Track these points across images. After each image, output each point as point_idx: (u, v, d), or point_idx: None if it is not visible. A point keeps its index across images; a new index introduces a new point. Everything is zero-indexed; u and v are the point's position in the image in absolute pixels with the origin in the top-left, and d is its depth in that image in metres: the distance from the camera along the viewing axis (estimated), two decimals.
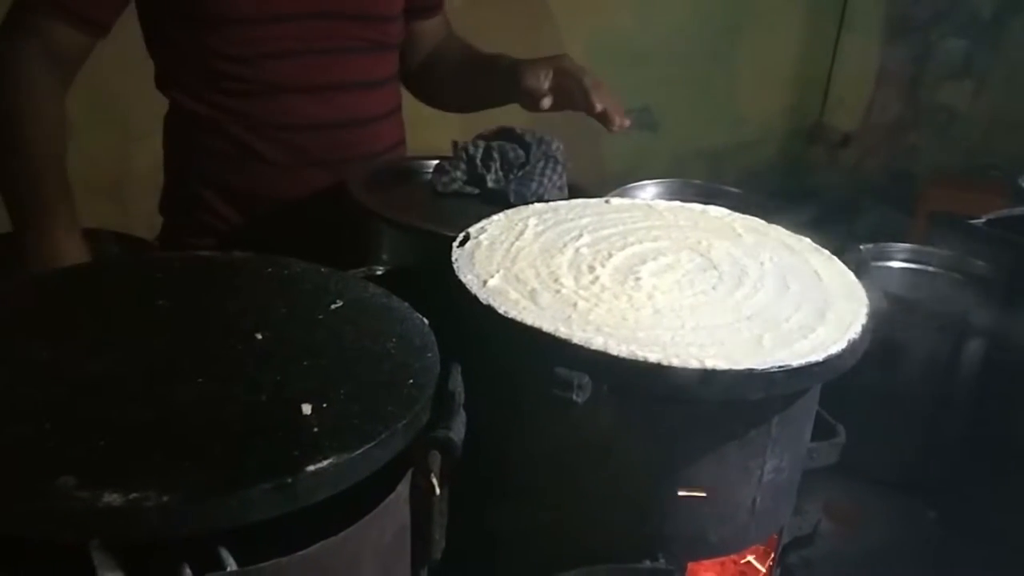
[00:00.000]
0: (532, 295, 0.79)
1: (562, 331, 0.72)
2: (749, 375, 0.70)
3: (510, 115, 1.57)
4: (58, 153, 1.19)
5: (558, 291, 0.80)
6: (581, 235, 0.92)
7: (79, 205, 1.22)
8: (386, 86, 1.39)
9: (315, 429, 0.61)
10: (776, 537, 0.88)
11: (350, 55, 1.30)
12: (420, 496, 0.68)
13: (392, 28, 1.36)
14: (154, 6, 1.24)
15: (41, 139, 1.18)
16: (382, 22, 1.34)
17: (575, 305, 0.77)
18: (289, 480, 0.56)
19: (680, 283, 0.83)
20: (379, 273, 0.97)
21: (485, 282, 0.80)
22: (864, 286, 0.86)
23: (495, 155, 1.14)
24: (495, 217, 0.96)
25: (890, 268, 1.36)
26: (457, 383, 0.70)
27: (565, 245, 0.90)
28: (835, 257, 0.93)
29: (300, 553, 0.58)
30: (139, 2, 1.23)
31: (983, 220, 1.14)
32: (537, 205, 1.01)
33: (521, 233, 0.92)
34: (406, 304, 0.79)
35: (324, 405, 0.63)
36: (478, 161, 1.14)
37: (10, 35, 1.17)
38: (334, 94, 1.30)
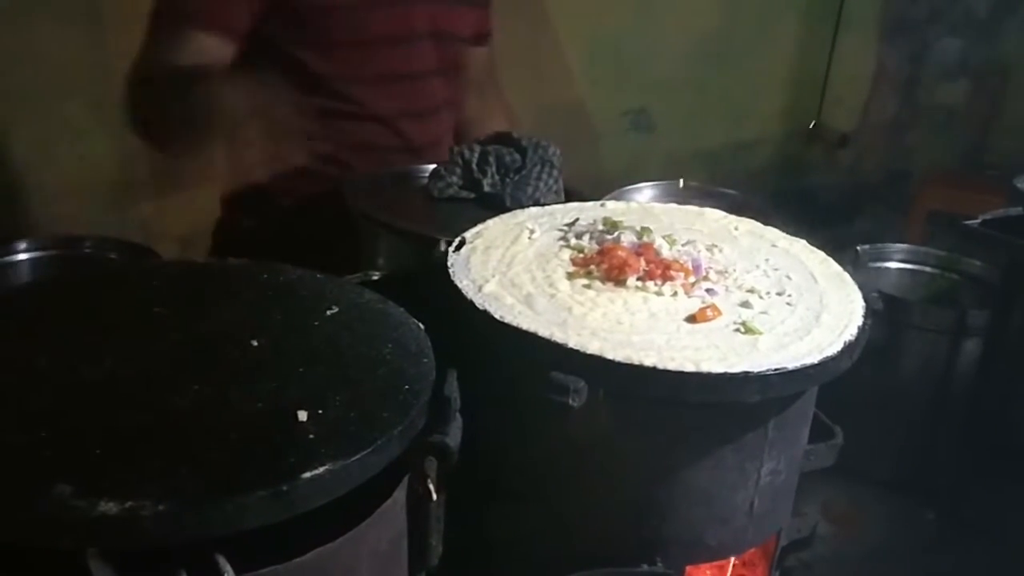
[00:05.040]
0: (528, 300, 0.79)
1: (558, 336, 0.72)
2: (745, 378, 0.70)
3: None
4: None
5: (553, 295, 0.80)
6: (577, 239, 0.92)
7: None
8: (454, 108, 1.48)
9: (311, 436, 0.61)
10: (774, 540, 0.88)
11: (436, 77, 1.41)
12: (417, 502, 0.68)
13: (464, 49, 1.45)
14: (269, 26, 1.27)
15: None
16: (459, 43, 1.43)
17: (570, 309, 0.77)
18: (285, 487, 0.56)
19: (675, 287, 0.83)
20: (375, 278, 0.96)
21: (481, 287, 0.80)
22: (860, 287, 0.86)
23: (491, 159, 1.14)
24: (491, 222, 0.96)
25: (887, 268, 1.37)
26: (453, 388, 0.70)
27: (561, 249, 0.90)
28: (831, 258, 0.93)
29: (297, 560, 0.58)
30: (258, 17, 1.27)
31: (979, 220, 1.14)
32: (533, 209, 1.01)
33: (517, 237, 0.92)
34: (402, 309, 0.79)
35: (320, 412, 0.63)
36: (474, 165, 1.15)
37: (153, 48, 1.23)
38: (427, 116, 1.41)
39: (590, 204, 1.04)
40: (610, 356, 0.70)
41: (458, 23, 1.42)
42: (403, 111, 1.38)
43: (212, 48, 1.23)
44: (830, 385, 0.78)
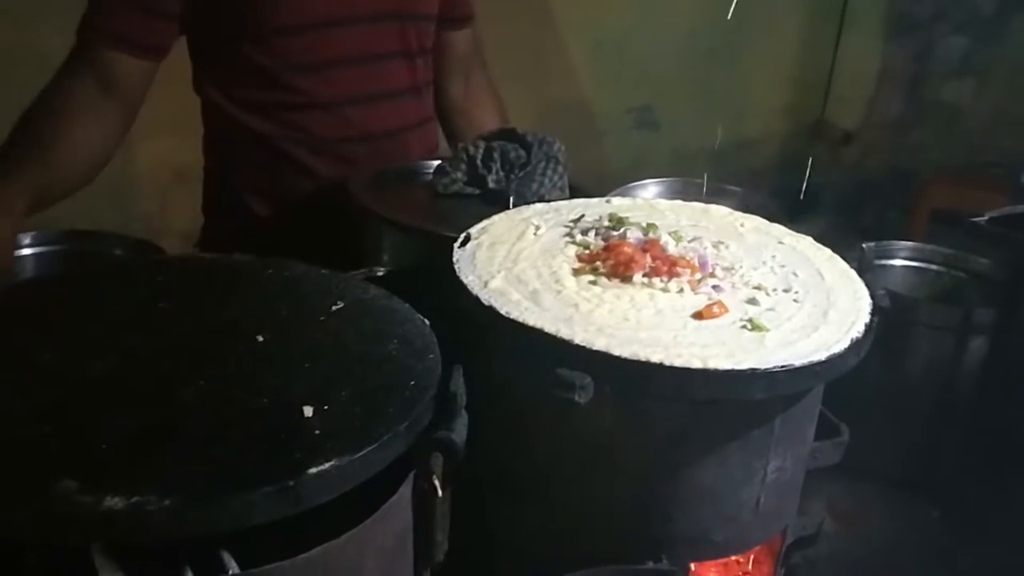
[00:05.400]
0: (534, 296, 0.78)
1: (564, 332, 0.72)
2: (752, 375, 0.70)
3: (512, 116, 1.57)
4: (77, 183, 1.22)
5: (559, 292, 0.80)
6: (583, 235, 0.92)
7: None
8: (423, 94, 1.42)
9: (316, 431, 0.61)
10: (780, 537, 0.88)
11: (393, 61, 1.34)
12: (422, 498, 0.68)
13: (429, 30, 1.40)
14: (207, 22, 1.24)
15: (71, 167, 1.21)
16: (423, 22, 1.37)
17: (577, 306, 0.77)
18: (291, 483, 0.56)
19: (682, 283, 0.83)
20: (380, 274, 0.96)
21: (486, 283, 0.80)
22: (866, 285, 0.86)
23: (496, 156, 1.14)
24: (496, 218, 0.96)
25: (892, 266, 1.36)
26: (459, 384, 0.70)
27: (566, 245, 0.89)
28: (837, 256, 0.93)
29: (302, 556, 0.58)
30: (191, 19, 1.24)
31: (985, 218, 1.14)
32: (538, 205, 1.01)
33: (522, 234, 0.92)
34: (407, 305, 0.79)
35: (325, 407, 0.63)
36: (479, 162, 1.14)
37: (68, 67, 1.21)
38: (383, 103, 1.34)
39: (595, 200, 1.03)
40: (616, 352, 0.70)
41: (419, 2, 1.36)
42: (354, 97, 1.31)
43: (126, 69, 1.20)
44: (836, 382, 0.77)
